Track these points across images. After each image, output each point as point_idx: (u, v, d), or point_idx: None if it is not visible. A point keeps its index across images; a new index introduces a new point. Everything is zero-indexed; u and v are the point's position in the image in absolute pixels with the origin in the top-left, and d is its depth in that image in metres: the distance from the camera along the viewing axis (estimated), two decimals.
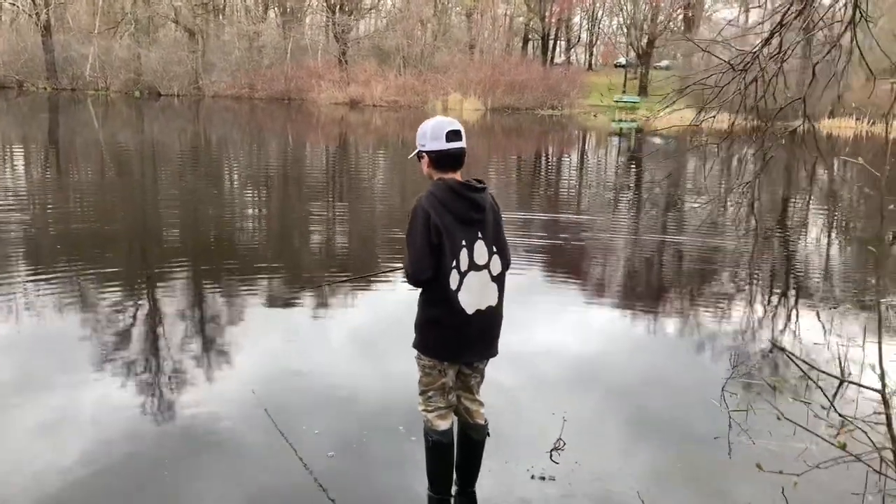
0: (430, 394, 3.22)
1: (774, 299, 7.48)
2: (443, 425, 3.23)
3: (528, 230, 10.22)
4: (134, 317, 6.07)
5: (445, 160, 3.09)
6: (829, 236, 11.36)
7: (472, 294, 3.06)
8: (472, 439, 3.33)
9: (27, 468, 3.59)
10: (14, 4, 44.96)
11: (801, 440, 3.28)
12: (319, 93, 41.21)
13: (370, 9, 51.23)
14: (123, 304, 6.37)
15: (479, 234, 3.08)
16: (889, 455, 1.58)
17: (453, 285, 3.02)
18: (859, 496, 3.14)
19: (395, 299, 6.57)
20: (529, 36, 58.10)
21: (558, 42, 59.82)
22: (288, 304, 6.64)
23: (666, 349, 5.81)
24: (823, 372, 1.73)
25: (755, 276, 8.30)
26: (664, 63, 51.43)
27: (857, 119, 32.94)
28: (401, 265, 3.70)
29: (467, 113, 38.21)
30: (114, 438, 3.90)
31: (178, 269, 7.63)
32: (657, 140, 27.35)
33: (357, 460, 3.76)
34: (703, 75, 3.81)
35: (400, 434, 3.99)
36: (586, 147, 28.18)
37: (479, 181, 3.14)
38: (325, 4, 48.16)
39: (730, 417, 4.08)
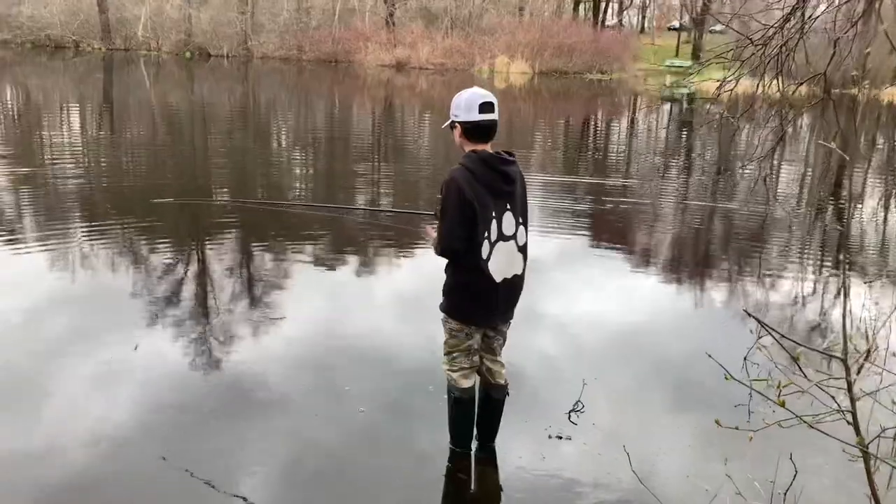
0: (454, 355, 3.39)
1: (807, 269, 7.34)
2: (465, 383, 3.43)
3: (573, 194, 10.17)
4: (183, 274, 6.30)
5: (477, 131, 3.19)
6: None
7: (501, 263, 3.21)
8: (493, 398, 3.53)
9: (81, 420, 3.78)
10: None
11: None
12: (366, 55, 41.11)
13: None
14: (172, 261, 6.60)
15: (508, 206, 3.21)
16: (849, 417, 1.65)
17: (484, 254, 3.16)
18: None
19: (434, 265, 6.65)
20: None
21: (610, 4, 58.35)
22: (331, 265, 6.79)
23: (696, 318, 5.81)
24: (792, 340, 1.75)
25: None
26: (719, 27, 49.86)
27: None
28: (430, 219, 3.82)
29: (514, 76, 37.76)
30: (162, 391, 4.12)
31: (226, 228, 7.84)
32: (711, 107, 26.62)
33: (387, 416, 3.95)
34: (743, 42, 3.80)
35: (428, 393, 4.14)
36: (636, 113, 27.68)
37: (510, 153, 3.24)
38: None
39: (750, 387, 4.08)
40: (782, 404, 1.72)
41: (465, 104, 3.17)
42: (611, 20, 57.46)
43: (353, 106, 24.43)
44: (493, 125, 3.20)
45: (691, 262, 7.69)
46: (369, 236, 7.95)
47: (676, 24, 55.52)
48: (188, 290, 5.92)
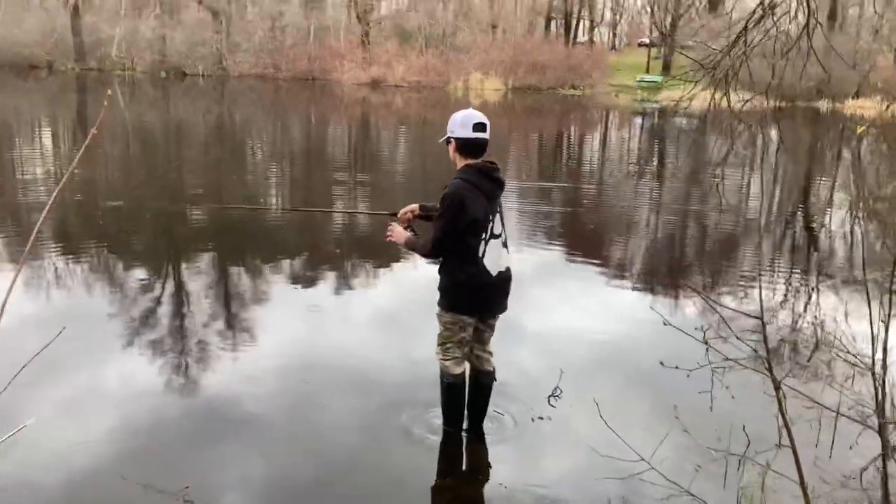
0: (448, 345, 3.72)
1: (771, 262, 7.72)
2: (457, 370, 3.76)
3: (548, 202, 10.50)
4: (159, 293, 6.24)
5: (470, 147, 3.58)
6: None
7: (493, 259, 3.59)
8: (482, 383, 3.87)
9: (53, 444, 3.66)
10: None
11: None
12: (342, 73, 41.51)
13: None
14: (148, 280, 6.55)
15: (497, 209, 3.63)
16: (763, 362, 2.06)
17: (480, 253, 3.55)
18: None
19: (416, 276, 6.80)
20: (553, 15, 57.77)
21: (581, 21, 59.42)
22: (310, 280, 6.85)
23: (667, 315, 6.09)
24: (721, 305, 2.11)
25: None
26: (689, 43, 50.93)
27: (882, 100, 32.60)
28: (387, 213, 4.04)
29: (488, 93, 38.32)
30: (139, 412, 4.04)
31: (201, 244, 7.96)
32: (681, 121, 27.31)
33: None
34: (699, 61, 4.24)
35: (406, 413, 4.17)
36: (609, 126, 28.25)
37: (494, 163, 3.63)
38: None
39: (712, 372, 4.34)
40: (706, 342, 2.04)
41: (461, 122, 3.55)
42: (582, 37, 58.47)
43: (329, 123, 24.69)
44: (485, 143, 3.59)
45: (655, 265, 8.02)
46: (344, 246, 8.16)
47: (647, 40, 56.59)
48: (162, 309, 5.82)
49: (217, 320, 5.64)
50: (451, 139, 3.58)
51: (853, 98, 35.54)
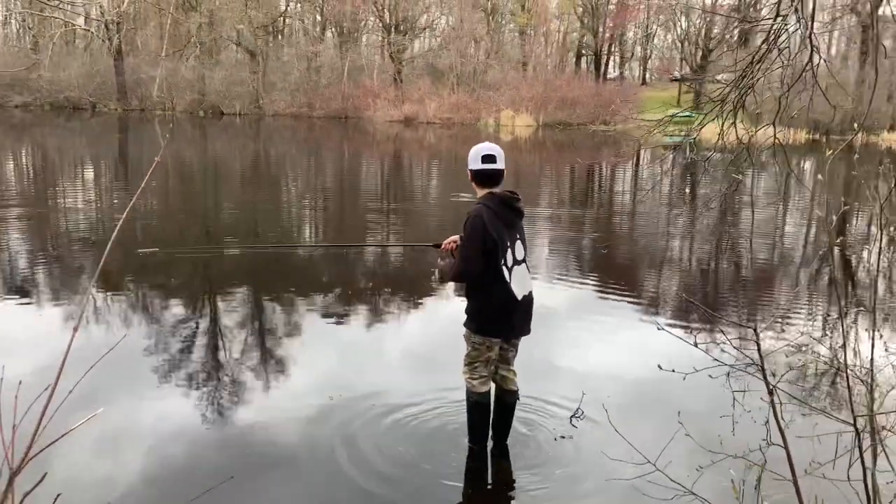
0: (475, 365, 3.93)
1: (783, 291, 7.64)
2: (482, 389, 3.99)
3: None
4: (195, 330, 6.28)
5: (482, 177, 3.87)
6: None
7: (518, 283, 3.79)
8: (506, 402, 4.07)
9: (88, 479, 3.68)
10: (88, 30, 47.45)
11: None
12: (375, 111, 42.22)
13: (424, 28, 52.24)
14: (186, 317, 6.59)
15: (518, 236, 3.86)
16: (754, 368, 2.24)
17: (506, 277, 3.75)
18: None
19: (444, 315, 6.93)
20: (583, 52, 58.28)
21: (612, 57, 59.81)
22: (341, 318, 6.84)
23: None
24: (715, 315, 2.17)
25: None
26: (721, 76, 50.85)
27: None
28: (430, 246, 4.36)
29: (519, 129, 38.62)
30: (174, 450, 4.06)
31: (235, 282, 8.00)
32: (714, 154, 27.18)
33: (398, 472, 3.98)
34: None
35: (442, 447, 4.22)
36: (641, 161, 28.23)
37: (514, 193, 3.88)
38: (380, 24, 49.39)
39: (733, 399, 4.32)
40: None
41: (473, 156, 3.86)
42: (612, 73, 58.79)
43: (362, 157, 25.08)
44: (496, 173, 3.84)
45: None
46: (377, 283, 8.26)
47: (678, 74, 56.68)
48: (199, 344, 5.90)
49: (253, 356, 5.77)
50: (469, 171, 3.89)
51: (888, 131, 35.12)
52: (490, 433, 4.10)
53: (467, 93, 44.03)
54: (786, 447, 2.18)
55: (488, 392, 4.00)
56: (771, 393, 2.23)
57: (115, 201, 14.02)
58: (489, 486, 3.93)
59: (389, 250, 9.63)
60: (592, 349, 5.98)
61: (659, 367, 2.65)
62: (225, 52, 47.66)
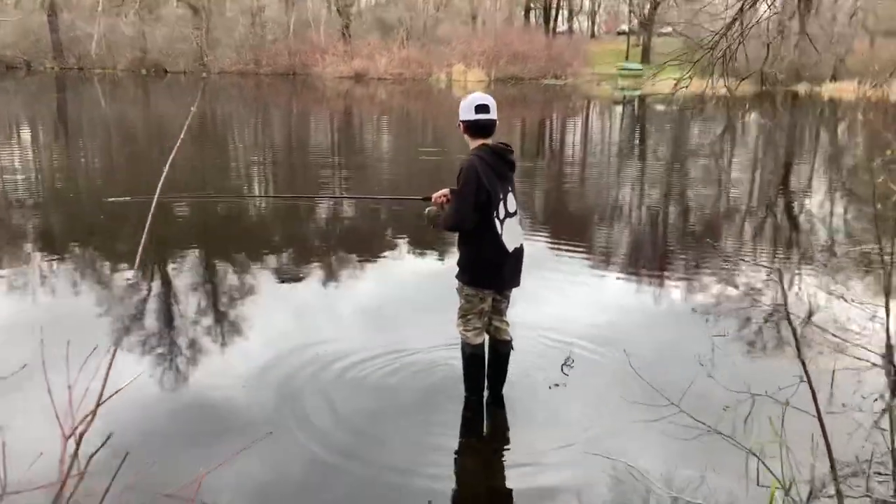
0: (469, 317, 3.98)
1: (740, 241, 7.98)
2: (477, 340, 4.02)
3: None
4: (146, 292, 6.15)
5: (475, 128, 3.81)
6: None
7: (509, 235, 3.83)
8: (500, 352, 4.13)
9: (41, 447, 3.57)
10: None
11: None
12: (324, 67, 41.44)
13: None
14: (133, 278, 6.37)
15: (510, 188, 3.87)
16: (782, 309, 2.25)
17: (498, 230, 3.78)
18: None
19: (404, 272, 6.93)
20: (531, 5, 57.81)
21: (560, 11, 59.48)
22: (297, 276, 6.76)
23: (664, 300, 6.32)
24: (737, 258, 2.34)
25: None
26: (667, 29, 51.21)
27: (858, 82, 32.98)
28: (420, 199, 4.26)
29: (471, 84, 38.38)
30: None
31: (184, 241, 7.84)
32: (660, 107, 27.65)
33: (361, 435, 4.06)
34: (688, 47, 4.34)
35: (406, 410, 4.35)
36: (590, 115, 28.46)
37: (507, 145, 3.88)
38: None
39: (713, 342, 4.56)
40: None
41: (466, 106, 3.79)
42: (561, 26, 58.58)
43: (310, 115, 24.70)
44: (490, 123, 3.80)
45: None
46: (332, 238, 8.31)
47: (626, 27, 56.81)
48: (149, 307, 5.73)
49: (205, 317, 5.78)
50: (460, 123, 3.83)
51: (830, 81, 36.07)
52: (486, 383, 4.16)
53: (417, 48, 43.47)
54: (810, 383, 2.26)
55: (482, 344, 4.04)
56: (794, 331, 2.34)
57: (55, 162, 13.63)
58: (485, 435, 4.00)
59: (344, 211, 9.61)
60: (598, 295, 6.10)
61: (693, 310, 2.70)
62: (165, 8, 45.85)
